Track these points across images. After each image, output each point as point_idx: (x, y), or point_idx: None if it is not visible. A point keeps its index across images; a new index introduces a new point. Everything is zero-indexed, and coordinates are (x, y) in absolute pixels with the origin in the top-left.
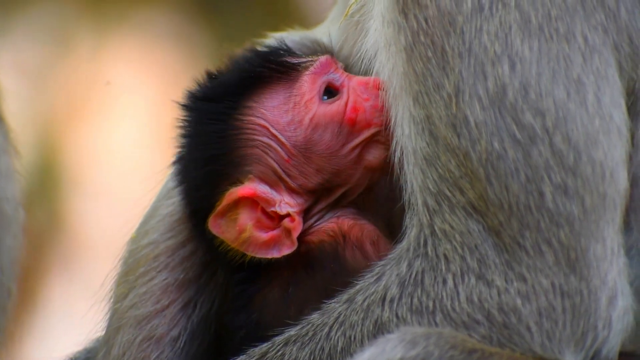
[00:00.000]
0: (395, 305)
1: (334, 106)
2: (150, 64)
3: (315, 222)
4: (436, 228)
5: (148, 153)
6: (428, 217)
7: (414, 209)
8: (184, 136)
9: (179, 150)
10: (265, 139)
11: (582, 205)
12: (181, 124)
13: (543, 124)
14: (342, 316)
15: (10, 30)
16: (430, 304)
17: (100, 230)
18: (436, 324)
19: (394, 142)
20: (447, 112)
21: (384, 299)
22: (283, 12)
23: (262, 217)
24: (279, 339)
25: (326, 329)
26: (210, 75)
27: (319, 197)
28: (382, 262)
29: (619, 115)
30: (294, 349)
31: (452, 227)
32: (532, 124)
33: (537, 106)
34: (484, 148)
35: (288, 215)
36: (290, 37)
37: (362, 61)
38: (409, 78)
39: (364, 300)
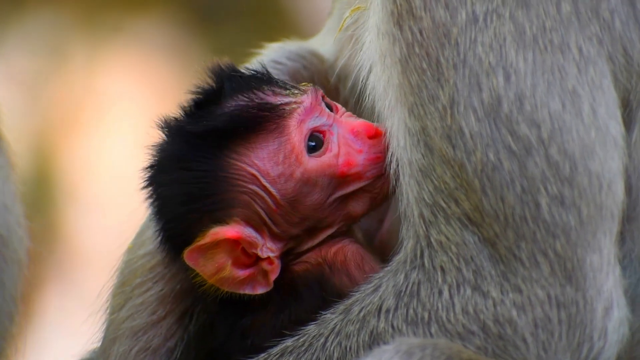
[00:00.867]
0: (391, 316)
1: (325, 159)
2: (145, 75)
3: (297, 257)
4: (432, 239)
5: (142, 164)
6: (424, 229)
7: (410, 220)
8: (164, 165)
9: (154, 177)
10: (254, 188)
11: (578, 216)
12: (163, 149)
13: (538, 135)
14: (338, 327)
15: (4, 41)
16: (426, 315)
17: (95, 241)
18: (431, 335)
19: (389, 153)
20: (442, 123)
21: (379, 310)
22: (277, 23)
23: (241, 255)
24: (275, 349)
25: (322, 340)
26: (195, 102)
27: (303, 239)
28: (379, 274)
29: (615, 126)
30: (290, 359)
31: (447, 238)
32: (528, 135)
33: (532, 117)
34: (479, 159)
35: (267, 258)
36: (286, 47)
37: (357, 73)
38: (404, 90)
39: (360, 311)
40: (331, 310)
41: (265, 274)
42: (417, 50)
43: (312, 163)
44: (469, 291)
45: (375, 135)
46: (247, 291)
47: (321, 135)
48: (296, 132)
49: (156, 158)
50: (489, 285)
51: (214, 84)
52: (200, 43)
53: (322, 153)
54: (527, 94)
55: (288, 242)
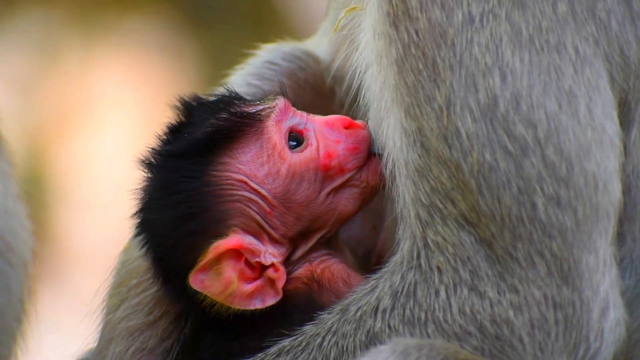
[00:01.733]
0: (387, 316)
1: (307, 153)
2: (138, 75)
3: (292, 269)
4: (429, 240)
5: (135, 163)
6: (421, 229)
7: (406, 221)
8: (151, 196)
9: (143, 211)
10: (245, 193)
11: (574, 216)
12: (146, 183)
13: (535, 136)
14: (335, 326)
15: None
16: (423, 315)
17: (87, 241)
18: (428, 335)
19: (386, 154)
20: (439, 124)
21: (376, 310)
22: (271, 24)
23: (245, 268)
24: (272, 349)
25: (319, 339)
26: (171, 130)
27: (297, 243)
28: (376, 275)
29: (611, 126)
30: (287, 359)
31: (444, 239)
32: (524, 135)
33: (528, 118)
34: (476, 160)
35: (271, 265)
36: (282, 48)
37: (353, 74)
38: (400, 90)
39: (357, 311)
40: (328, 310)
41: (272, 283)
42: (413, 50)
43: (295, 158)
44: (465, 291)
45: (350, 126)
46: (257, 305)
47: (298, 133)
48: (275, 131)
49: (142, 195)
50: (486, 285)
51: (184, 115)
52: (193, 43)
53: (304, 148)
54: (523, 94)
55: (288, 247)
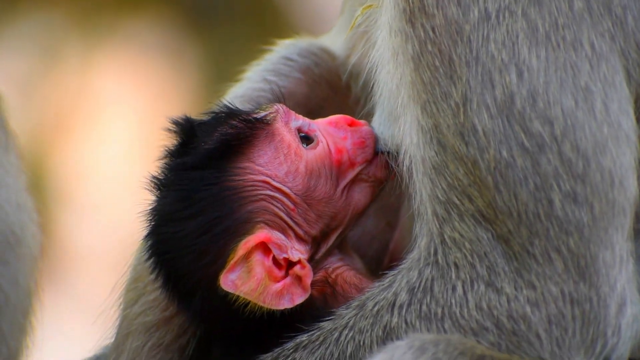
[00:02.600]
0: (404, 311)
1: (320, 150)
2: (139, 77)
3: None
4: (446, 237)
5: (136, 166)
6: (438, 226)
7: (423, 218)
8: (168, 211)
9: (158, 229)
10: (269, 192)
11: (591, 213)
12: (159, 201)
13: (551, 132)
14: (351, 322)
15: None
16: (439, 311)
17: (88, 242)
18: (445, 331)
19: (402, 150)
20: (455, 120)
21: (393, 305)
22: (273, 25)
23: (273, 267)
24: (289, 344)
25: (336, 334)
26: (178, 146)
27: (319, 243)
28: (393, 272)
29: (627, 122)
30: (304, 354)
31: (461, 235)
32: (541, 132)
33: (545, 114)
34: (493, 156)
35: (298, 262)
36: (298, 44)
37: (369, 71)
38: (417, 87)
39: (374, 306)
40: (345, 305)
41: (299, 280)
42: (429, 47)
43: (311, 154)
44: (482, 287)
45: (353, 124)
46: (287, 305)
47: (306, 133)
48: (286, 132)
49: (155, 214)
50: (503, 281)
51: (186, 133)
52: (195, 45)
53: (315, 145)
54: (539, 91)
55: (311, 245)
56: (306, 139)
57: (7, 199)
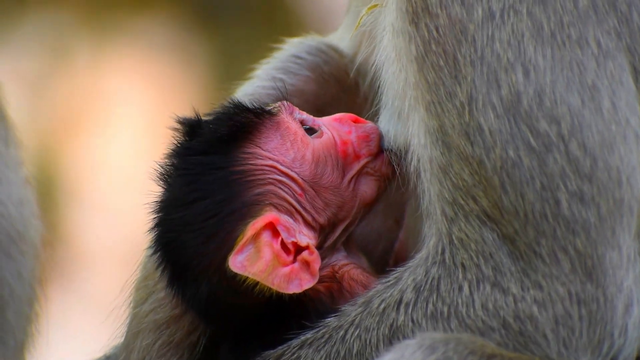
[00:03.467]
0: (410, 309)
1: (325, 139)
2: (149, 75)
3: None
4: (454, 237)
5: (146, 163)
6: (447, 226)
7: (432, 217)
8: (175, 196)
9: (165, 216)
10: (276, 176)
11: (597, 212)
12: (166, 188)
13: (558, 131)
14: (357, 319)
15: (8, 41)
16: (446, 310)
17: (98, 241)
18: (451, 330)
19: (411, 151)
20: (460, 120)
21: (399, 303)
22: (282, 23)
23: (281, 251)
24: (294, 342)
25: (342, 332)
26: (185, 133)
27: (327, 234)
28: (400, 269)
29: (635, 119)
30: (310, 351)
31: (467, 235)
32: (548, 131)
33: (552, 113)
34: (499, 156)
35: (306, 247)
36: (306, 42)
37: (375, 70)
38: (421, 88)
39: (380, 304)
40: (351, 302)
41: (307, 265)
42: (433, 47)
43: (317, 143)
44: (488, 288)
45: (357, 121)
46: (295, 289)
47: (310, 126)
48: (292, 122)
49: (162, 201)
50: (509, 281)
51: (192, 127)
52: (204, 42)
53: (321, 135)
54: (546, 90)
55: (319, 233)
56: (311, 130)
57: (8, 193)
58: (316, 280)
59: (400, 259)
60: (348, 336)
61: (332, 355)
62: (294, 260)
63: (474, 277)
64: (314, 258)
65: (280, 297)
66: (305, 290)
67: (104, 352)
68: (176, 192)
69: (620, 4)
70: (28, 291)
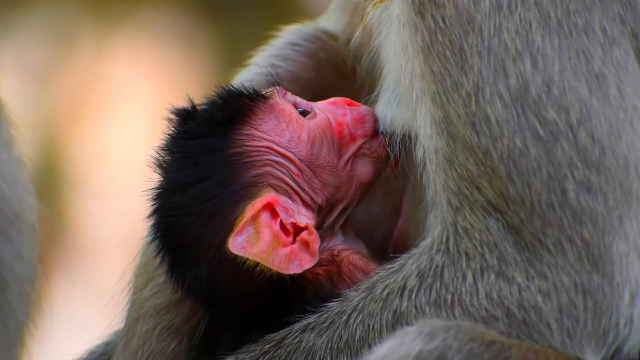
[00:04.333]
0: (414, 296)
1: (320, 120)
2: (154, 63)
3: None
4: (459, 226)
5: (150, 152)
6: (452, 216)
7: (438, 207)
8: (173, 180)
9: (164, 199)
10: (273, 157)
11: (605, 202)
12: (164, 172)
13: (567, 120)
14: (361, 304)
15: (13, 30)
16: (449, 298)
17: (103, 229)
18: (455, 318)
19: (418, 142)
20: (467, 110)
21: (403, 289)
22: (287, 12)
23: (280, 232)
24: (297, 325)
25: (345, 317)
26: (183, 116)
27: (325, 215)
28: (404, 255)
29: None
30: (312, 336)
31: (472, 225)
32: (556, 120)
33: (560, 102)
34: (506, 146)
35: (306, 228)
36: (304, 29)
37: (380, 65)
38: (427, 78)
39: (384, 290)
40: (354, 287)
41: (307, 246)
42: (439, 38)
43: (312, 124)
44: (492, 277)
45: (352, 104)
46: (295, 269)
47: (303, 109)
48: (286, 104)
49: (160, 185)
50: (514, 271)
51: (188, 113)
52: (209, 30)
53: (314, 116)
54: (555, 78)
55: (317, 214)
56: (305, 113)
57: (1, 173)
58: (316, 260)
59: (399, 248)
60: (351, 321)
61: (335, 340)
62: (294, 241)
63: (477, 266)
64: (314, 238)
65: (280, 279)
66: (305, 273)
67: (103, 338)
68: (173, 176)
69: None
70: (29, 271)
